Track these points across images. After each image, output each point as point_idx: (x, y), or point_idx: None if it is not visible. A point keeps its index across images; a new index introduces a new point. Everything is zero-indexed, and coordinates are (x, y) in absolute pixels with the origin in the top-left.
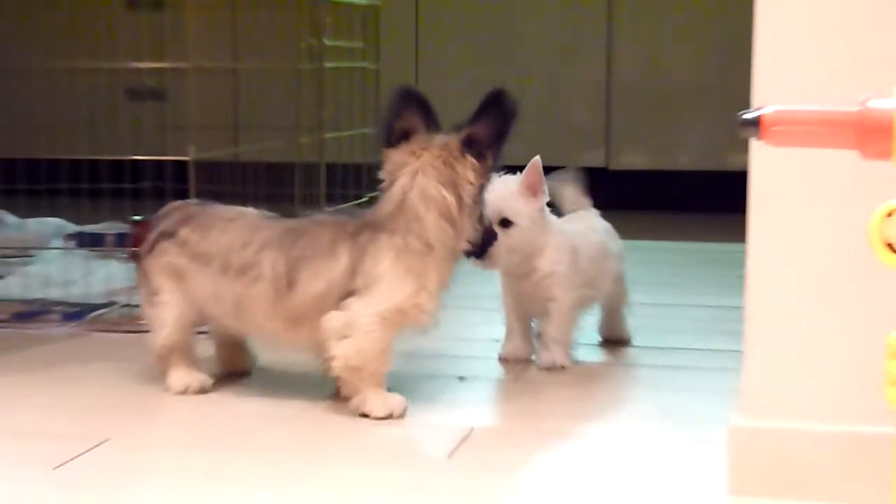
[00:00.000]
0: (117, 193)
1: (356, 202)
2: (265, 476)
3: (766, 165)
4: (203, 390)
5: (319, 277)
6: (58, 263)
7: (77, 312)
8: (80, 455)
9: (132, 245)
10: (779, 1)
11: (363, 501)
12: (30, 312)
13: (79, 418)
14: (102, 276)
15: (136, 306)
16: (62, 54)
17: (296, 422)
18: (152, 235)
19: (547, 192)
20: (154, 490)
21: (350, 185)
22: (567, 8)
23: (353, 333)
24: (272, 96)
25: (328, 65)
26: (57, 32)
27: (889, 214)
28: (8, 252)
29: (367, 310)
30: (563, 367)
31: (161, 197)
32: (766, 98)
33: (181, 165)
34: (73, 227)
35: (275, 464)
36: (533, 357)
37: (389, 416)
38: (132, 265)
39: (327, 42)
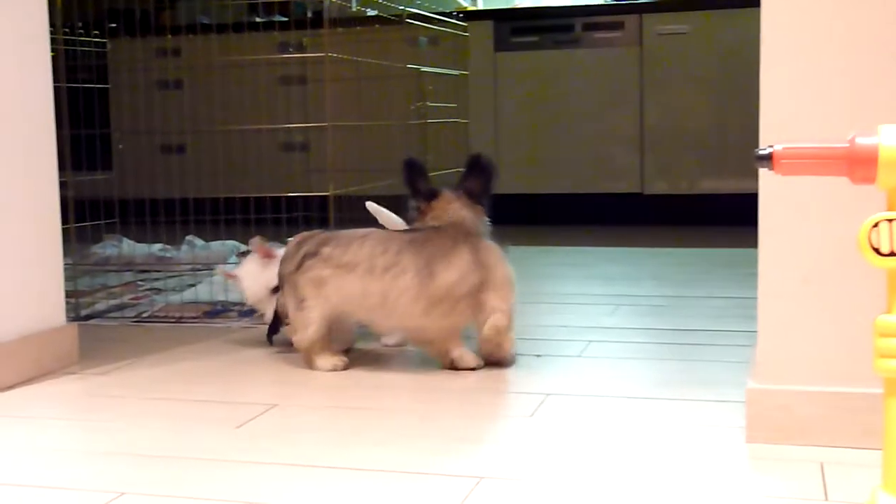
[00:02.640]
0: (276, 221)
1: None
2: (393, 432)
3: (771, 184)
4: (345, 368)
5: (452, 268)
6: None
7: (249, 311)
8: (255, 417)
9: None
10: (779, 59)
11: (466, 450)
12: (214, 311)
13: (252, 389)
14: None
15: None
16: (235, 119)
17: (413, 390)
18: (297, 257)
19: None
20: (314, 445)
21: None
22: (606, 69)
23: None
24: (389, 145)
25: (430, 121)
26: (231, 103)
27: (875, 225)
28: (198, 266)
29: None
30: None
31: (308, 224)
32: (769, 138)
33: (323, 200)
34: (244, 247)
35: (400, 423)
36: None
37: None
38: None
39: (429, 104)
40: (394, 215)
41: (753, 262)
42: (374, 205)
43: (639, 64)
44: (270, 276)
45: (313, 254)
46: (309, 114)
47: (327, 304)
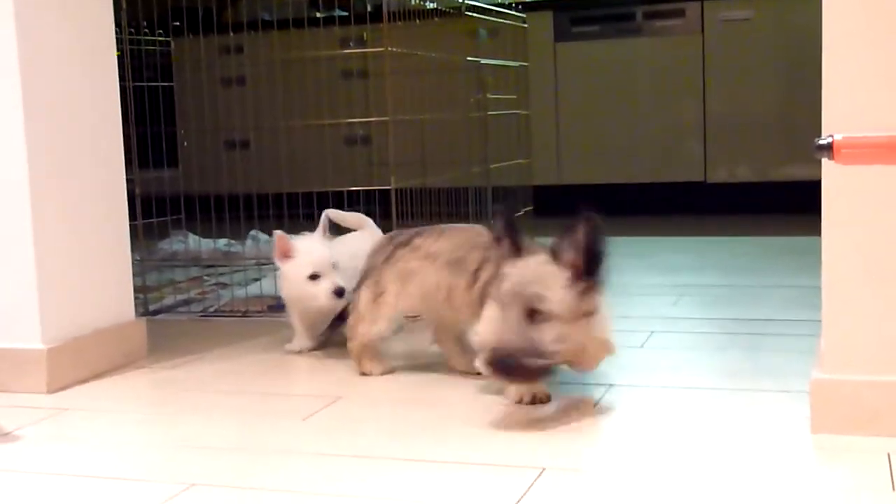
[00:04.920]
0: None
1: (516, 215)
2: (456, 424)
3: (835, 174)
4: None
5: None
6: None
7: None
8: (320, 410)
9: None
10: (842, 47)
11: (529, 441)
12: (279, 305)
13: (317, 382)
14: None
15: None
16: (297, 114)
17: (474, 382)
18: (389, 248)
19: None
20: (378, 436)
21: (512, 203)
22: (668, 58)
23: None
24: (450, 138)
25: (491, 113)
26: (293, 98)
27: None
28: (262, 261)
29: None
30: None
31: (370, 217)
32: (832, 127)
33: (385, 193)
34: None
35: (462, 414)
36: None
37: None
38: None
39: (490, 96)
40: (361, 216)
41: (819, 251)
42: (336, 211)
43: (701, 51)
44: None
45: (405, 244)
46: (370, 108)
47: (407, 300)
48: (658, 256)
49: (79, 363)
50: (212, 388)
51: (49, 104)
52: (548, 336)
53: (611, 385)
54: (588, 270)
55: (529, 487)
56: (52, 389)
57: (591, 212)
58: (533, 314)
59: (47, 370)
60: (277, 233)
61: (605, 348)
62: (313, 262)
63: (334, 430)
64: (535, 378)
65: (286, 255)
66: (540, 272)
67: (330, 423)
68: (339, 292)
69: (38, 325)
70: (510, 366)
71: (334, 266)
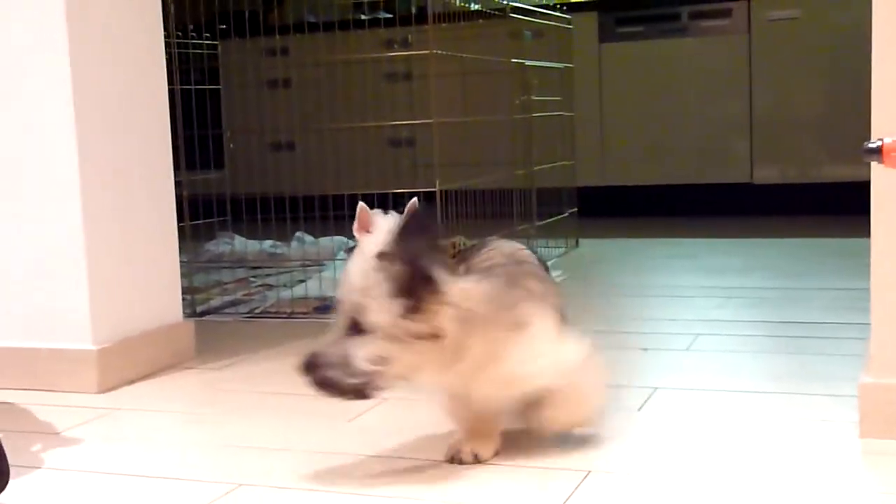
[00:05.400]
0: None
1: (558, 217)
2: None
3: (883, 176)
4: None
5: None
6: (343, 270)
7: None
8: (366, 411)
9: None
10: (891, 47)
11: (574, 444)
12: (325, 306)
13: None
14: None
15: None
16: (342, 116)
17: None
18: None
19: None
20: (423, 438)
21: (554, 205)
22: (714, 58)
23: None
24: (495, 140)
25: (535, 115)
26: (339, 100)
27: None
28: (307, 263)
29: None
30: None
31: None
32: (881, 129)
33: (429, 194)
34: (353, 243)
35: (507, 416)
36: None
37: None
38: None
39: (534, 98)
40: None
41: (867, 252)
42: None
43: (748, 51)
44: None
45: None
46: (415, 109)
47: None
48: (704, 258)
49: (128, 363)
50: (258, 388)
51: (100, 107)
52: (362, 352)
53: (655, 388)
54: (418, 281)
55: (575, 490)
56: (102, 389)
57: (417, 206)
58: (356, 325)
59: (97, 370)
60: (361, 205)
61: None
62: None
63: (378, 431)
64: (345, 396)
65: (365, 228)
66: (370, 277)
67: (374, 425)
68: None
69: (88, 326)
70: (315, 379)
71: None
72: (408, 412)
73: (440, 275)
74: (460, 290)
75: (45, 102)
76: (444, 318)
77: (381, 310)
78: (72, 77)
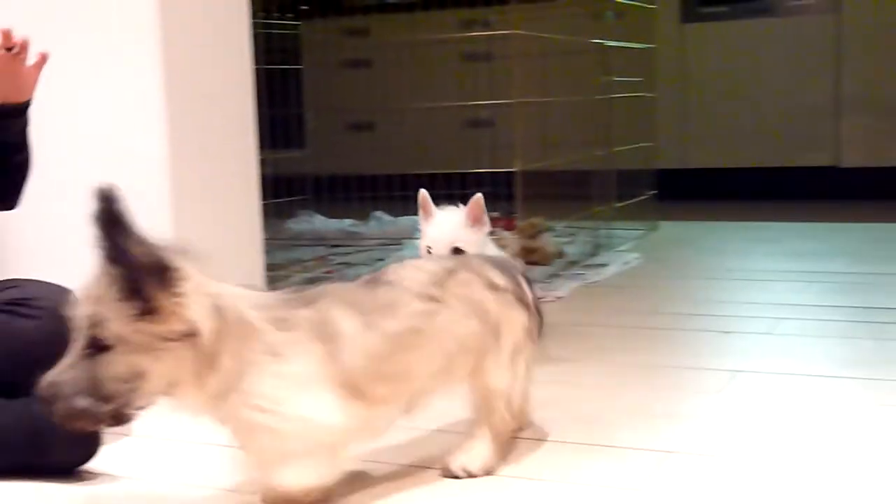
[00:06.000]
0: (462, 198)
1: (637, 199)
2: (583, 407)
3: None
4: None
5: None
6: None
7: None
8: None
9: None
10: None
11: (655, 425)
12: None
13: None
14: None
15: None
16: (422, 96)
17: (599, 364)
18: None
19: (488, 222)
20: None
21: (633, 187)
22: (801, 38)
23: None
24: (574, 121)
25: (616, 96)
26: (418, 80)
27: None
28: (385, 241)
29: None
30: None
31: (494, 199)
32: None
33: (508, 175)
34: None
35: (589, 397)
36: None
37: None
38: None
39: (615, 79)
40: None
41: None
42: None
43: (836, 31)
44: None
45: None
46: (494, 90)
47: None
48: (787, 243)
49: None
50: None
51: (189, 86)
52: (110, 371)
53: (736, 371)
54: (139, 276)
55: (656, 471)
56: None
57: (107, 188)
58: (96, 342)
59: None
60: (422, 191)
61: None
62: (431, 237)
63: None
64: (101, 425)
65: (428, 213)
66: (100, 284)
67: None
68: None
69: None
70: (61, 412)
71: (457, 251)
72: None
73: (162, 263)
74: (199, 281)
75: (136, 81)
76: (190, 310)
77: (118, 317)
78: (163, 56)
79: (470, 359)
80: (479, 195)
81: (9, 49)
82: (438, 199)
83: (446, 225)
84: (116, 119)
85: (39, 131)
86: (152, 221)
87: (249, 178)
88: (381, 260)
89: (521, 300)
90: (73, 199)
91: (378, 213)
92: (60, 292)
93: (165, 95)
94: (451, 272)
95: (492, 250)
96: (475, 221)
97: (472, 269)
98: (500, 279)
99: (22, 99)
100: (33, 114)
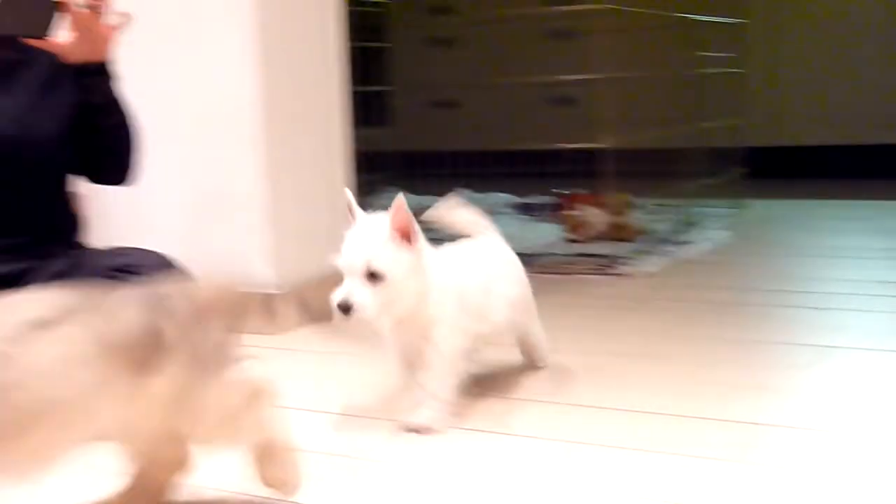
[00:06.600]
0: (545, 175)
1: (726, 176)
2: (671, 378)
3: None
4: None
5: None
6: (506, 225)
7: (528, 261)
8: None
9: (557, 211)
10: None
11: (744, 398)
12: None
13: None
14: (538, 234)
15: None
16: (506, 73)
17: (685, 338)
18: None
19: (420, 234)
20: (594, 387)
21: (722, 164)
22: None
23: None
24: (662, 97)
25: (706, 71)
26: (502, 57)
27: None
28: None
29: None
30: (430, 431)
31: (579, 177)
32: None
33: (593, 152)
34: (515, 199)
35: (676, 370)
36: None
37: None
38: (557, 225)
39: (705, 54)
40: (478, 217)
41: None
42: (445, 206)
43: None
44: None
45: None
46: (580, 66)
47: None
48: (878, 220)
49: (304, 307)
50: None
51: (283, 63)
52: None
53: (828, 347)
54: None
55: (746, 442)
56: (281, 331)
57: None
58: None
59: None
60: (346, 191)
61: None
62: (342, 256)
63: (558, 380)
64: None
65: (351, 219)
66: None
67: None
68: (344, 307)
69: (270, 270)
70: None
71: (375, 276)
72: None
73: None
74: None
75: (232, 58)
76: None
77: None
78: (258, 35)
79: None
80: (400, 197)
81: (92, 8)
82: (521, 178)
83: (362, 240)
84: (212, 93)
85: (139, 100)
86: (247, 191)
87: (341, 153)
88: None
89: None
90: (173, 171)
91: (461, 190)
92: (163, 260)
93: (261, 73)
94: (45, 325)
95: (431, 275)
96: (402, 234)
97: (84, 322)
98: (127, 330)
99: (99, 59)
100: (132, 83)
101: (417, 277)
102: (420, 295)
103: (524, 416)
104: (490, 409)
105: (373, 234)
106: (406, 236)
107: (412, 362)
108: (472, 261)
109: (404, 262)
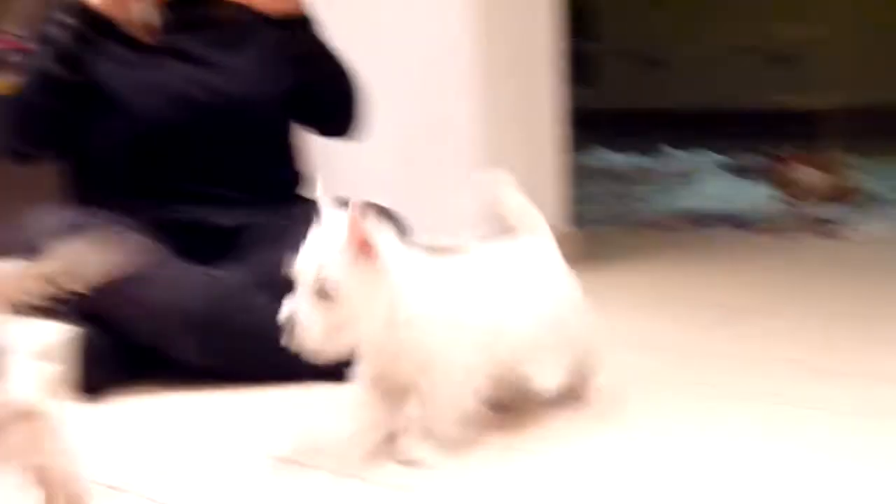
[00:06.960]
0: (755, 135)
1: None
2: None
3: None
4: None
5: None
6: (715, 186)
7: (740, 222)
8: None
9: (771, 172)
10: None
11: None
12: (700, 218)
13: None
14: (749, 195)
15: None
16: (719, 31)
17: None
18: None
19: (379, 251)
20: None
21: None
22: None
23: None
24: (890, 55)
25: None
26: (715, 15)
27: None
28: (676, 176)
29: None
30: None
31: (792, 139)
32: None
33: (809, 113)
34: (725, 159)
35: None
36: None
37: None
38: (770, 186)
39: None
40: (532, 211)
41: None
42: (501, 189)
43: None
44: None
45: None
46: (800, 22)
47: None
48: None
49: None
50: (646, 294)
51: (500, 21)
52: None
53: None
54: None
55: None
56: None
57: None
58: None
59: None
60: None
61: None
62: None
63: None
64: None
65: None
66: None
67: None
68: (288, 326)
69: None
70: None
71: (324, 294)
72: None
73: None
74: None
75: (452, 22)
76: None
77: None
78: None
79: None
80: (355, 203)
81: None
82: (731, 138)
83: (316, 248)
84: (432, 50)
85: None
86: (466, 149)
87: (554, 110)
88: (671, 195)
89: None
90: (392, 131)
91: (667, 148)
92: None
93: (480, 31)
94: None
95: (403, 301)
96: (360, 248)
97: None
98: None
99: (294, 10)
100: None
101: (379, 302)
102: (387, 322)
103: (711, 369)
104: (669, 361)
105: (329, 243)
106: (366, 251)
107: (393, 395)
108: (483, 281)
109: (361, 281)
